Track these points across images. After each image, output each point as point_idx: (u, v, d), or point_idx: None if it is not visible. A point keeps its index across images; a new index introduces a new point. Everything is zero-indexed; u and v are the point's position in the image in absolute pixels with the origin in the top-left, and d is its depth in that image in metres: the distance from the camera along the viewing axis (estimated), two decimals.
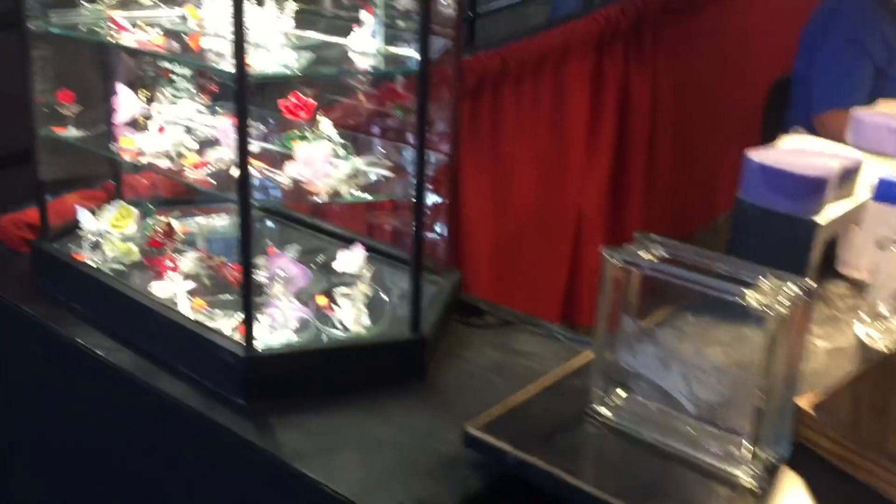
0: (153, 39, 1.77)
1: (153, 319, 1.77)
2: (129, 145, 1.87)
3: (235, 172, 1.74)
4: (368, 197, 1.68)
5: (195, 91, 2.14)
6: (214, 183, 1.76)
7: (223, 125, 1.90)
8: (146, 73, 2.23)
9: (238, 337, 1.68)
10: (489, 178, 3.15)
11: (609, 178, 3.73)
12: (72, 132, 1.95)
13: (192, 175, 1.75)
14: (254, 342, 1.64)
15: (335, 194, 1.69)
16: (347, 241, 1.96)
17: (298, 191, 1.69)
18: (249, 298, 1.61)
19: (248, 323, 1.63)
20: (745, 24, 4.28)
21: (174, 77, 2.14)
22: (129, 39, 1.78)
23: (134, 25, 1.84)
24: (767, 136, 3.62)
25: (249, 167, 1.55)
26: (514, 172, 3.28)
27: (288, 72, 1.58)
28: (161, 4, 1.99)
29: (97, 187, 2.32)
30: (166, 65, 2.05)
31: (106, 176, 2.30)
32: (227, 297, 1.89)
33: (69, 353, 1.85)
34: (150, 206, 2.18)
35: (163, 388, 1.70)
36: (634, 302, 1.46)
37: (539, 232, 3.49)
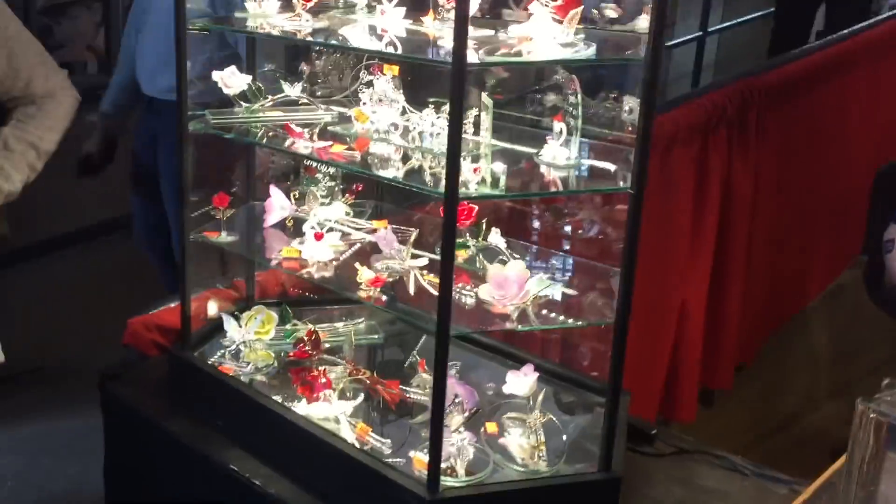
0: (333, 148, 1.67)
1: (316, 447, 1.64)
2: (292, 254, 1.76)
3: (412, 289, 1.63)
4: (566, 322, 1.54)
5: (339, 190, 2.06)
6: (385, 300, 1.64)
7: (384, 233, 1.79)
8: (288, 172, 2.15)
9: (418, 474, 1.54)
10: None
11: (711, 268, 3.60)
12: (224, 237, 1.84)
13: (367, 293, 1.63)
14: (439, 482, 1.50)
15: (524, 317, 1.57)
16: (512, 359, 1.83)
17: (484, 313, 1.57)
18: (439, 433, 1.48)
19: (434, 461, 1.49)
20: (847, 108, 4.20)
21: (320, 178, 2.06)
22: (302, 146, 1.68)
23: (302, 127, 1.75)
24: (875, 223, 3.49)
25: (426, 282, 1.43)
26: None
27: (497, 192, 1.46)
28: (319, 105, 1.90)
29: (224, 286, 2.21)
30: (313, 164, 1.96)
31: (236, 274, 2.20)
32: (384, 418, 1.76)
33: (219, 479, 1.72)
34: (288, 309, 2.06)
35: None
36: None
37: (641, 323, 3.35)
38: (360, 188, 2.05)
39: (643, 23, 1.76)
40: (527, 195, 1.63)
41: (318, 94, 2.06)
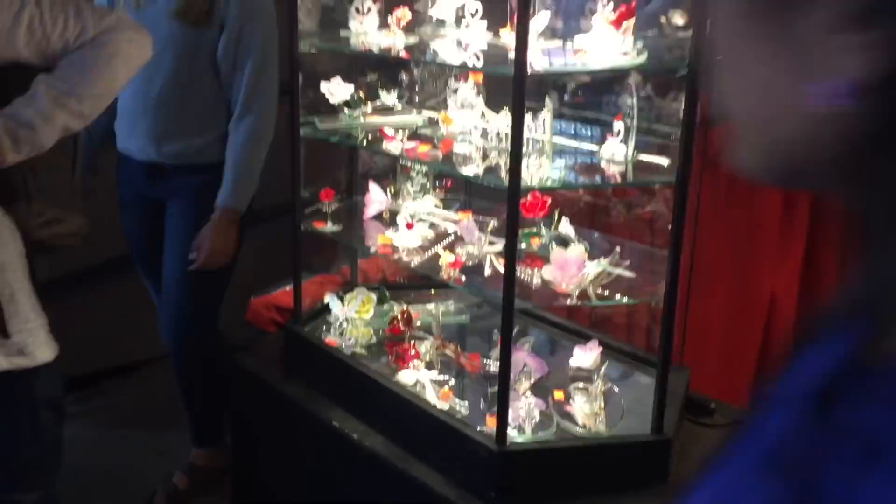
0: (419, 148, 1.92)
1: (404, 407, 1.89)
2: (386, 241, 2.02)
3: (487, 271, 1.86)
4: (621, 300, 1.74)
5: (430, 187, 2.31)
6: (464, 280, 1.88)
7: (466, 223, 2.03)
8: (387, 170, 2.42)
9: (489, 430, 1.77)
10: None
11: (802, 259, 3.65)
12: (329, 227, 2.13)
13: (448, 274, 1.87)
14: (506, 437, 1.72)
15: (583, 295, 1.77)
16: (580, 336, 2.03)
17: (548, 292, 1.78)
18: (506, 394, 1.70)
19: (502, 417, 1.71)
20: None
21: (413, 175, 2.32)
22: (394, 147, 1.94)
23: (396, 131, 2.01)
24: None
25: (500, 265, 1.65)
26: (708, 255, 3.28)
27: (555, 184, 1.68)
28: (412, 110, 2.17)
29: (333, 272, 2.51)
30: (408, 163, 2.22)
31: (342, 262, 2.49)
32: (465, 384, 2.00)
33: (324, 435, 2.00)
34: (385, 291, 2.32)
35: (416, 475, 1.80)
36: None
37: (729, 317, 3.45)
38: (449, 184, 2.30)
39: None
40: (580, 186, 1.82)
41: (416, 100, 2.33)
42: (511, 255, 1.61)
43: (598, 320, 2.25)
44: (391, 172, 2.45)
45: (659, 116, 1.88)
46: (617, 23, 1.68)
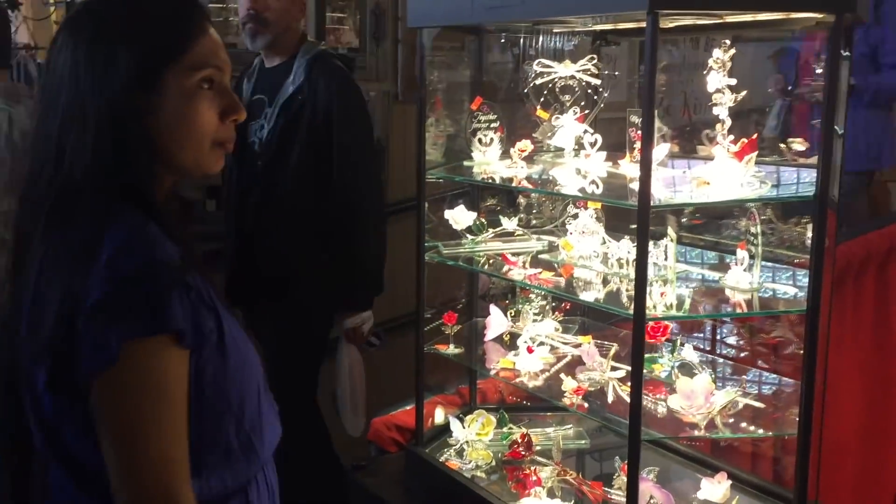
0: (541, 274, 1.96)
1: None
2: (507, 365, 2.05)
3: (610, 397, 1.85)
4: (754, 432, 1.69)
5: (549, 310, 2.34)
6: (586, 407, 1.87)
7: (587, 348, 2.03)
8: (505, 292, 2.48)
9: None
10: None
11: None
12: (452, 349, 2.17)
13: (570, 399, 1.87)
14: None
15: (711, 425, 1.74)
16: (704, 466, 1.97)
17: (674, 421, 1.75)
18: None
19: None
20: None
21: (532, 297, 2.36)
22: (517, 273, 1.99)
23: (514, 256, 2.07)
24: None
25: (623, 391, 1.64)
26: (838, 380, 3.14)
27: (680, 314, 1.68)
28: (531, 235, 2.22)
29: (451, 392, 2.53)
30: (527, 287, 2.26)
31: (459, 382, 2.52)
32: None
33: None
34: (505, 413, 2.33)
35: None
36: None
37: (864, 447, 3.27)
38: (567, 307, 2.32)
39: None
40: (707, 316, 1.81)
41: (533, 223, 2.39)
42: (637, 383, 1.61)
43: (718, 448, 2.18)
44: (509, 294, 2.50)
45: (781, 241, 1.87)
46: (739, 155, 1.70)
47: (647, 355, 2.04)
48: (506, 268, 2.05)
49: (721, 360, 1.98)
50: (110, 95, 1.07)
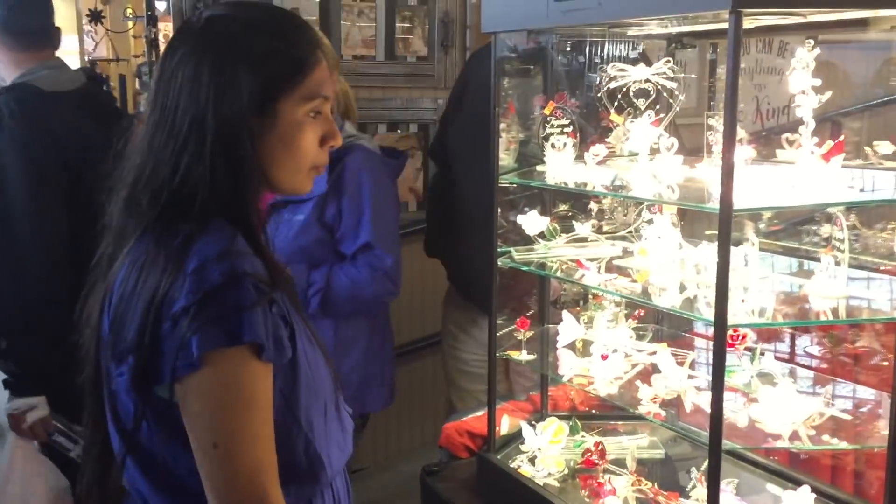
0: (617, 280, 1.94)
1: None
2: (583, 372, 2.03)
3: (688, 406, 1.81)
4: (839, 444, 1.64)
5: (623, 316, 2.30)
6: (663, 415, 1.84)
7: (662, 355, 2.00)
8: (577, 298, 2.45)
9: None
10: None
11: None
12: (524, 356, 2.16)
13: (648, 408, 1.84)
14: None
15: (794, 437, 1.68)
16: (783, 478, 1.91)
17: (756, 432, 1.70)
18: None
19: None
20: None
21: (605, 303, 2.32)
22: (592, 278, 1.96)
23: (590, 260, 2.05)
24: None
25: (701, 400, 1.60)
26: None
27: (762, 321, 1.63)
28: (605, 241, 2.20)
29: (523, 399, 2.52)
30: (600, 293, 2.23)
31: (531, 389, 2.50)
32: None
33: None
34: (577, 421, 2.30)
35: None
36: None
37: None
38: (641, 313, 2.29)
39: None
40: (787, 324, 1.75)
41: (605, 228, 2.36)
42: (718, 392, 1.57)
43: (798, 460, 2.11)
44: (581, 300, 2.47)
45: (866, 247, 1.80)
46: (827, 157, 1.65)
47: (726, 364, 2.01)
48: (579, 273, 2.03)
49: (802, 370, 1.92)
50: (229, 116, 1.11)
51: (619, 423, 2.41)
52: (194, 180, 1.11)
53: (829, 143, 1.68)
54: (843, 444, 1.64)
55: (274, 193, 1.23)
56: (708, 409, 1.78)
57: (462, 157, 2.93)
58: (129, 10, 3.95)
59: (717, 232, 1.66)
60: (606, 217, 2.43)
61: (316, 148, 1.18)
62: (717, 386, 1.58)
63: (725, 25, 1.51)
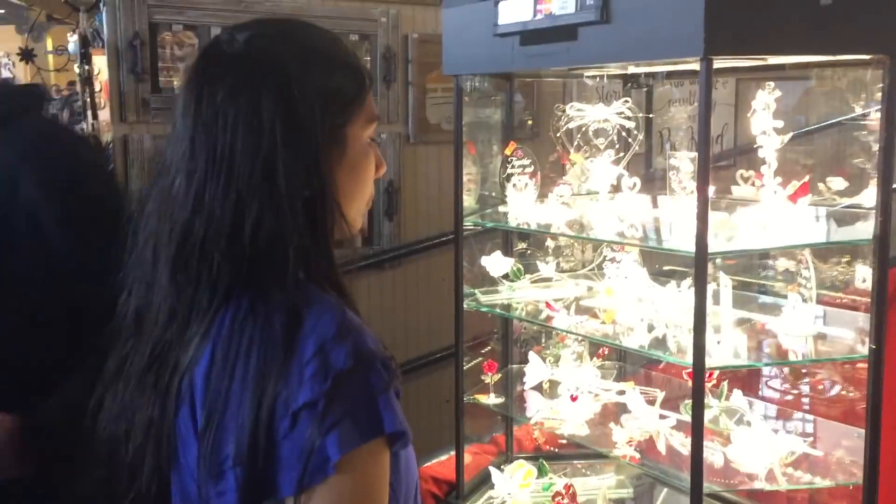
0: (587, 323, 1.93)
1: None
2: (553, 415, 2.00)
3: (662, 448, 1.80)
4: (813, 482, 1.65)
5: (588, 355, 2.30)
6: (639, 458, 1.83)
7: (632, 395, 1.99)
8: (537, 337, 2.44)
9: None
10: None
11: None
12: (492, 399, 2.13)
13: (623, 451, 1.83)
14: None
15: (770, 477, 1.69)
16: None
17: (732, 472, 1.71)
18: None
19: None
20: None
21: (568, 342, 2.32)
22: (559, 319, 1.95)
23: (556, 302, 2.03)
24: None
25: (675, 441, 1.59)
26: None
27: (742, 362, 1.64)
28: (564, 278, 2.19)
29: (485, 441, 2.48)
30: (562, 332, 2.22)
31: (493, 430, 2.47)
32: None
33: None
34: (545, 463, 2.27)
35: None
36: None
37: None
38: (606, 351, 2.29)
39: (867, 198, 1.92)
40: (767, 364, 1.77)
41: (563, 266, 2.36)
42: (698, 435, 1.56)
43: (772, 498, 2.13)
44: (543, 337, 2.46)
45: (821, 282, 1.83)
46: (794, 197, 1.68)
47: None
48: (547, 314, 2.02)
49: (768, 405, 1.94)
50: (304, 151, 0.92)
51: (584, 461, 2.39)
52: (270, 235, 0.89)
53: (795, 184, 1.71)
54: (821, 482, 1.65)
55: (341, 237, 1.01)
56: (682, 450, 1.79)
57: None
58: (59, 45, 3.82)
59: (678, 269, 1.67)
60: (563, 254, 2.44)
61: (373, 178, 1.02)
62: (697, 430, 1.57)
63: (685, 67, 1.52)
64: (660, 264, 2.17)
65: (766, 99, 1.79)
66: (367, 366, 0.87)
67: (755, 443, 1.68)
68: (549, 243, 2.41)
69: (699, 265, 1.56)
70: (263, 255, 0.90)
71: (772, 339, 1.75)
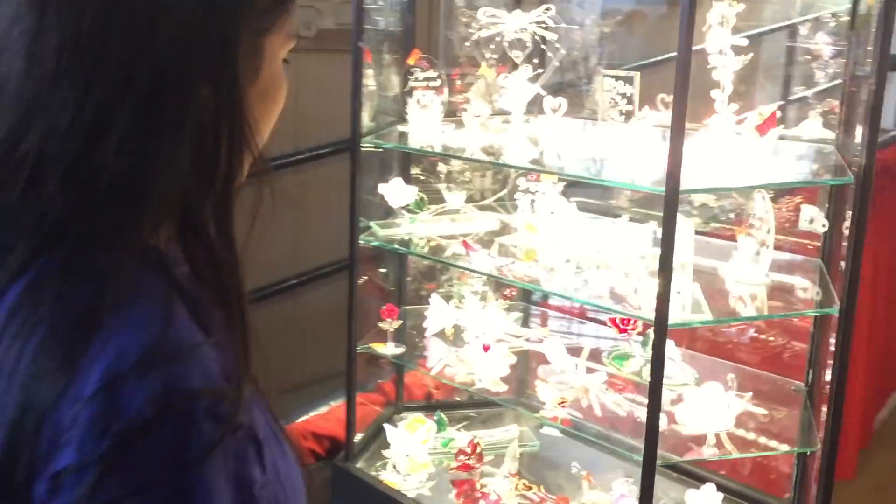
0: (515, 267, 1.66)
1: None
2: (468, 369, 1.75)
3: (597, 408, 1.61)
4: (772, 447, 1.49)
5: (492, 296, 2.05)
6: (572, 421, 1.61)
7: (551, 344, 1.76)
8: (434, 273, 2.16)
9: None
10: None
11: None
12: (391, 349, 1.84)
13: (554, 413, 1.60)
14: None
15: (719, 444, 1.52)
16: (691, 477, 1.78)
17: (676, 438, 1.53)
18: None
19: None
20: None
21: (471, 281, 2.06)
22: (478, 260, 1.68)
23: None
24: None
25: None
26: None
27: (699, 319, 1.43)
28: (472, 210, 1.92)
29: (371, 389, 2.20)
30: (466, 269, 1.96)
31: (380, 376, 2.19)
32: None
33: None
34: (443, 416, 2.02)
35: None
36: None
37: None
38: (514, 292, 2.04)
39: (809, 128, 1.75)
40: (728, 321, 1.59)
41: (462, 192, 2.07)
42: (655, 403, 1.35)
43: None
44: (439, 275, 2.19)
45: (788, 225, 1.66)
46: (762, 129, 1.47)
47: (616, 350, 1.82)
48: (452, 251, 1.73)
49: (701, 357, 1.77)
50: (214, 53, 0.64)
51: (482, 410, 2.16)
52: (134, 163, 0.59)
53: (760, 114, 1.49)
54: (778, 447, 1.50)
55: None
56: (617, 411, 1.59)
57: None
58: None
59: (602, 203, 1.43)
60: (458, 181, 2.15)
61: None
62: (655, 396, 1.36)
63: None
64: (585, 198, 1.93)
65: (724, 11, 1.56)
66: (180, 419, 0.55)
67: (710, 405, 1.50)
68: (441, 167, 2.12)
69: (669, 204, 1.32)
70: (114, 195, 0.60)
71: (722, 289, 1.56)
